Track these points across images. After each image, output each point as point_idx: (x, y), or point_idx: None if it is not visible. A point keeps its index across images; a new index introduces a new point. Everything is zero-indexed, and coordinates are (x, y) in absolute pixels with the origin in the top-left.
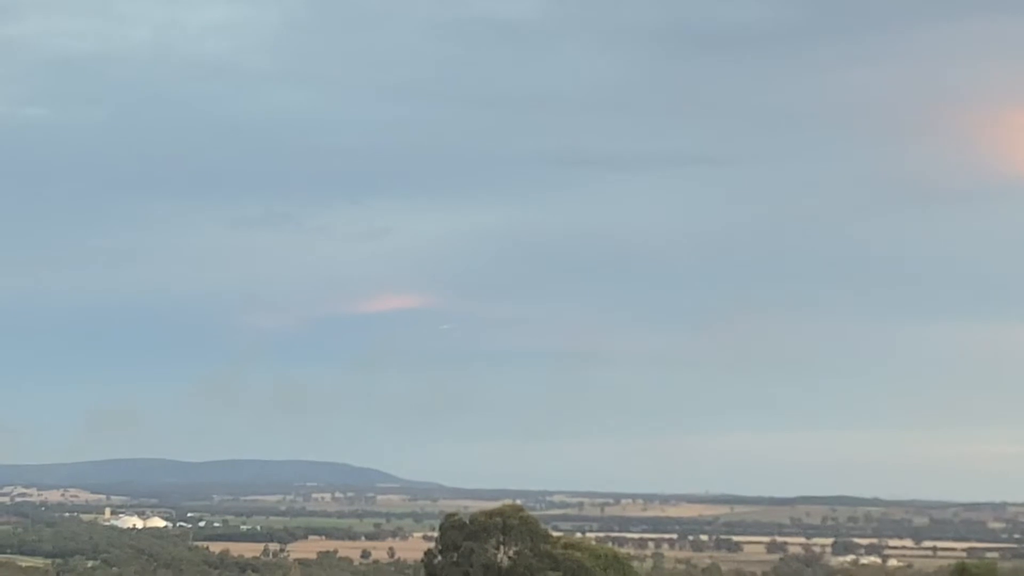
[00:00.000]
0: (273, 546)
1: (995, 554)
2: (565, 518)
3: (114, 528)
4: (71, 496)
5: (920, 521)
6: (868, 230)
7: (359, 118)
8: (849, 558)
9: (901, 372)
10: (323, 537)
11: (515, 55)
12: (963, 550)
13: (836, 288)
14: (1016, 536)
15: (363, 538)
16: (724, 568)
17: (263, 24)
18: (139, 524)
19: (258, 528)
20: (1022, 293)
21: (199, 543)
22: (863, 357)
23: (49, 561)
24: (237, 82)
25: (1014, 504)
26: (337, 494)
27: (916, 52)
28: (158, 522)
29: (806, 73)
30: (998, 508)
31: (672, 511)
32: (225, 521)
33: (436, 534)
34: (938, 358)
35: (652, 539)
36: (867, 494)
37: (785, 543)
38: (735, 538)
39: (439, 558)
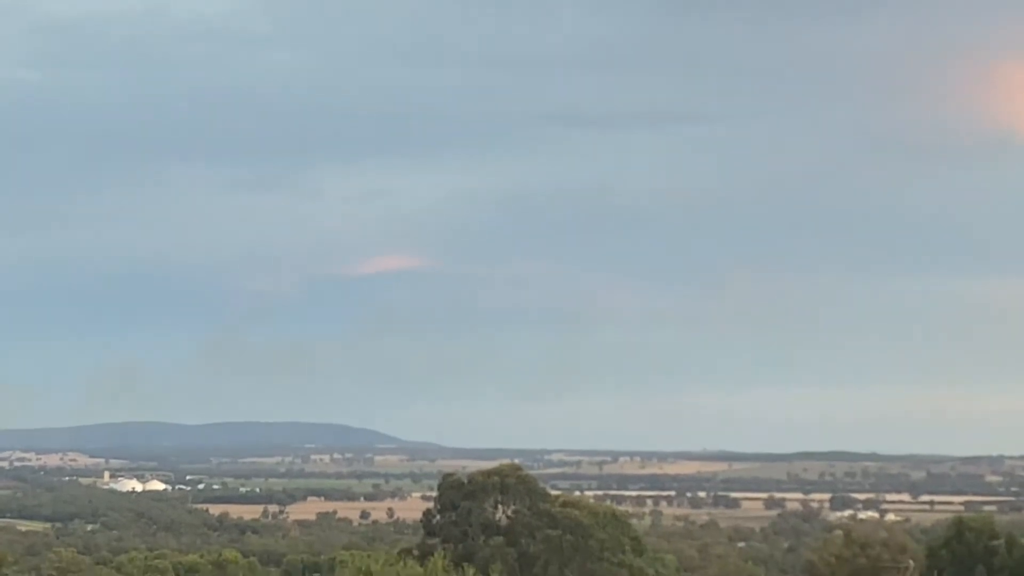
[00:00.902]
0: (272, 508)
1: (992, 507)
2: (563, 477)
3: (113, 492)
4: (70, 460)
5: (917, 475)
6: (864, 186)
7: (354, 80)
8: (847, 513)
9: (897, 328)
10: (322, 498)
11: (509, 16)
12: (960, 504)
13: (833, 244)
14: (1013, 489)
15: (362, 499)
16: (722, 525)
17: None
18: (138, 487)
19: (257, 490)
20: (1015, 247)
21: (198, 506)
22: (859, 313)
23: (49, 525)
24: (232, 44)
25: (1011, 457)
26: (335, 455)
27: (909, 5)
28: (157, 485)
29: (799, 28)
30: (995, 462)
31: (670, 468)
32: (224, 483)
33: (434, 494)
34: (934, 313)
35: (650, 497)
36: (864, 449)
37: (783, 499)
38: (733, 495)
39: (438, 518)
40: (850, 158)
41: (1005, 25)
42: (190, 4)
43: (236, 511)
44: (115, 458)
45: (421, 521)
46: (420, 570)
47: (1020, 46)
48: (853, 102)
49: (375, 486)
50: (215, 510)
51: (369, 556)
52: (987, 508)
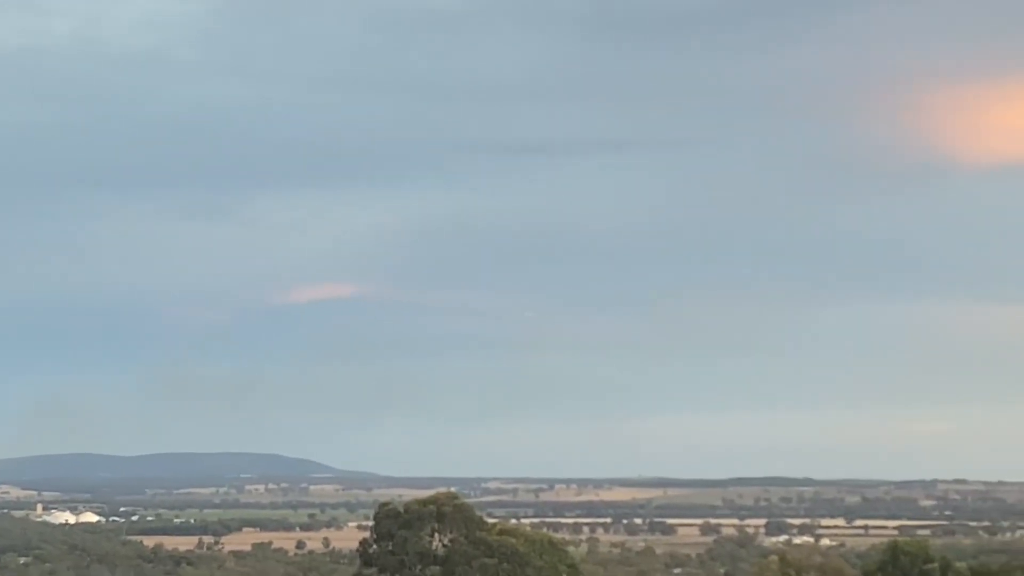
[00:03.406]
0: (207, 539)
1: (926, 531)
2: (500, 504)
3: (46, 524)
4: (2, 492)
5: (852, 500)
6: (803, 211)
7: (291, 108)
8: (782, 538)
9: (832, 353)
10: (257, 529)
11: (445, 44)
12: (895, 528)
13: (769, 270)
14: (947, 513)
15: (297, 529)
16: (658, 551)
17: (191, 16)
18: (71, 519)
19: (192, 521)
20: (951, 272)
21: (132, 537)
22: (795, 339)
23: None
24: (166, 75)
25: (944, 482)
26: (271, 485)
27: (850, 33)
28: (91, 517)
29: (739, 55)
30: (929, 486)
31: (606, 495)
32: (158, 515)
33: (371, 523)
34: (869, 338)
35: (586, 524)
36: (799, 474)
37: (719, 525)
38: (669, 521)
39: (374, 547)
40: (787, 183)
41: (935, 53)
42: (122, 36)
43: (171, 542)
44: (48, 490)
45: (358, 551)
46: None
47: (950, 73)
48: (790, 128)
49: (311, 516)
50: (149, 541)
51: None
52: (921, 532)
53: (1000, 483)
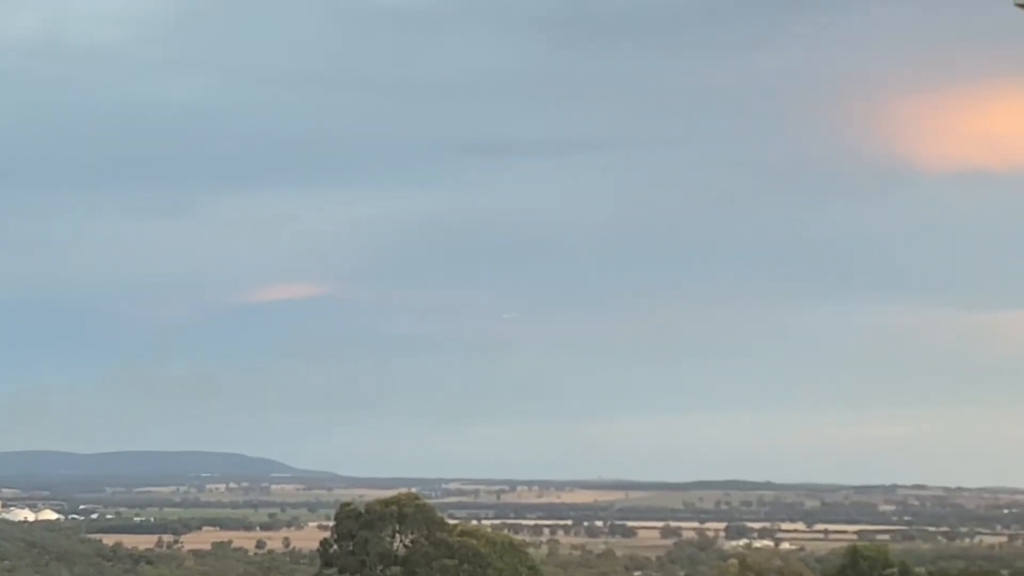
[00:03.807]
0: (167, 537)
1: (886, 536)
2: (461, 505)
3: (5, 521)
4: None
5: (812, 504)
6: (762, 214)
7: (256, 106)
8: (742, 542)
9: (792, 356)
10: (217, 528)
11: (411, 43)
12: (854, 532)
13: (731, 273)
14: (906, 518)
15: (258, 528)
16: (619, 554)
17: (156, 12)
18: (31, 517)
19: (151, 519)
20: (912, 278)
21: (92, 535)
22: (756, 342)
23: None
24: (132, 71)
25: (904, 487)
26: (231, 484)
27: (812, 39)
28: (50, 515)
29: (701, 58)
30: (888, 491)
31: (567, 497)
32: (118, 513)
33: (332, 524)
34: (829, 341)
35: (547, 525)
36: (760, 478)
37: (679, 528)
38: (629, 523)
39: (335, 547)
40: (747, 187)
41: (900, 60)
42: (88, 31)
43: (130, 541)
44: (7, 487)
45: (318, 551)
46: None
47: (914, 79)
48: (751, 133)
49: (271, 515)
50: (109, 540)
51: None
52: (880, 537)
53: (959, 489)
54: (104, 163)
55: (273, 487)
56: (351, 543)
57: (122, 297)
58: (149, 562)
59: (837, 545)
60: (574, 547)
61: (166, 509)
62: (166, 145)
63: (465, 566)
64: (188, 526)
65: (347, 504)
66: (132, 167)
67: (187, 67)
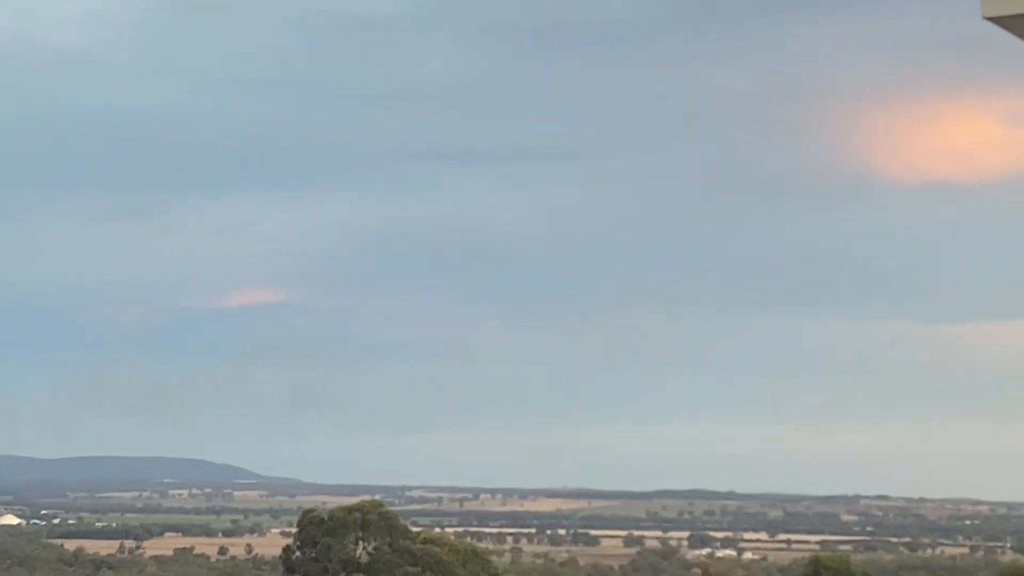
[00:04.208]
0: (129, 543)
1: (848, 547)
2: (424, 513)
3: None
4: None
5: (775, 514)
6: (728, 225)
7: (219, 111)
8: (705, 551)
9: (756, 366)
10: (179, 534)
11: (373, 50)
12: (817, 543)
13: (695, 283)
14: (869, 529)
15: (220, 535)
16: (582, 562)
17: (120, 16)
18: None
19: (114, 525)
20: (875, 289)
21: (53, 541)
22: (720, 351)
23: None
24: (97, 74)
25: (866, 497)
26: (194, 491)
27: (779, 51)
28: (11, 520)
29: (668, 68)
30: (851, 501)
31: (530, 506)
32: (80, 518)
33: (294, 530)
34: (793, 352)
35: (511, 534)
36: (723, 488)
37: (642, 537)
38: (593, 532)
39: (297, 554)
40: (712, 198)
41: (863, 72)
42: (54, 33)
43: (92, 546)
44: None
45: (281, 557)
46: None
47: (881, 92)
48: (717, 144)
49: (234, 522)
50: (71, 545)
51: None
52: (843, 547)
53: (922, 500)
54: (66, 166)
55: (236, 493)
56: (314, 550)
57: (85, 301)
58: (111, 567)
59: (800, 555)
60: (537, 555)
61: (128, 515)
62: (129, 149)
63: (428, 574)
64: (150, 532)
65: (310, 511)
66: (94, 170)
67: (151, 71)
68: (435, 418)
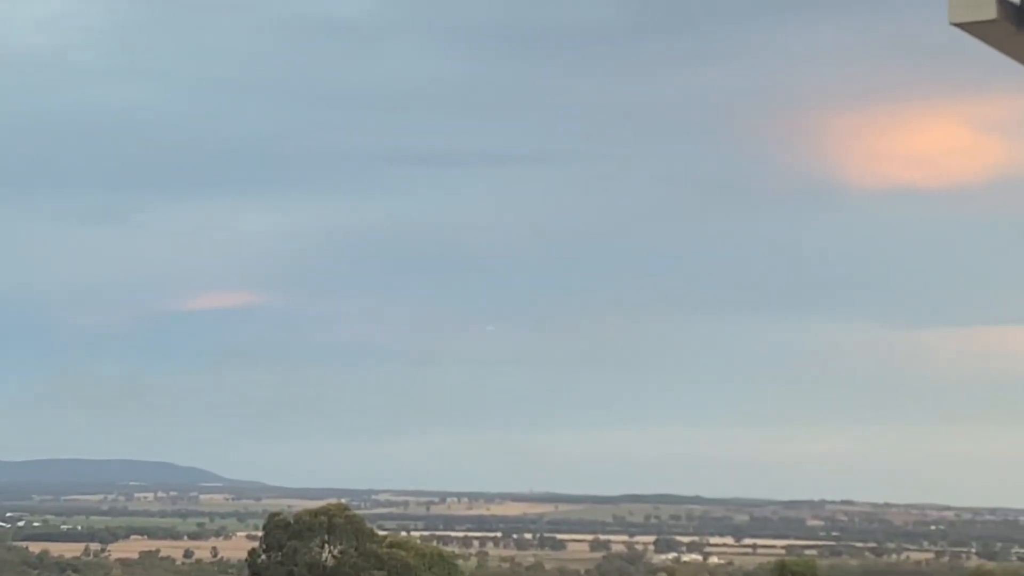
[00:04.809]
0: (94, 546)
1: (813, 551)
2: (390, 517)
3: None
4: None
5: (740, 519)
6: (698, 231)
7: (188, 114)
8: (671, 556)
9: (722, 371)
10: (145, 537)
11: (348, 53)
12: (782, 547)
13: (666, 288)
14: (834, 534)
15: (186, 537)
16: (548, 566)
17: (89, 18)
18: None
19: (79, 528)
20: (840, 294)
21: (18, 543)
22: (685, 356)
23: None
24: (61, 76)
25: (832, 502)
26: (160, 493)
27: (746, 56)
28: None
29: (639, 72)
30: (816, 506)
31: (497, 509)
32: (45, 521)
33: (260, 533)
34: (758, 357)
35: (477, 537)
36: (689, 492)
37: (608, 541)
38: (559, 536)
39: (263, 557)
40: (681, 203)
41: (832, 78)
42: (18, 35)
43: (57, 549)
44: None
45: (246, 561)
46: None
47: (847, 98)
48: (685, 148)
49: (199, 525)
50: (36, 548)
51: None
52: (808, 552)
53: (887, 505)
54: (35, 169)
55: (202, 496)
56: (280, 553)
57: (52, 303)
58: (76, 570)
59: (765, 560)
60: (503, 559)
61: (94, 517)
62: (99, 152)
63: None
64: (115, 535)
65: (276, 514)
66: (63, 173)
67: (121, 74)
68: (402, 422)
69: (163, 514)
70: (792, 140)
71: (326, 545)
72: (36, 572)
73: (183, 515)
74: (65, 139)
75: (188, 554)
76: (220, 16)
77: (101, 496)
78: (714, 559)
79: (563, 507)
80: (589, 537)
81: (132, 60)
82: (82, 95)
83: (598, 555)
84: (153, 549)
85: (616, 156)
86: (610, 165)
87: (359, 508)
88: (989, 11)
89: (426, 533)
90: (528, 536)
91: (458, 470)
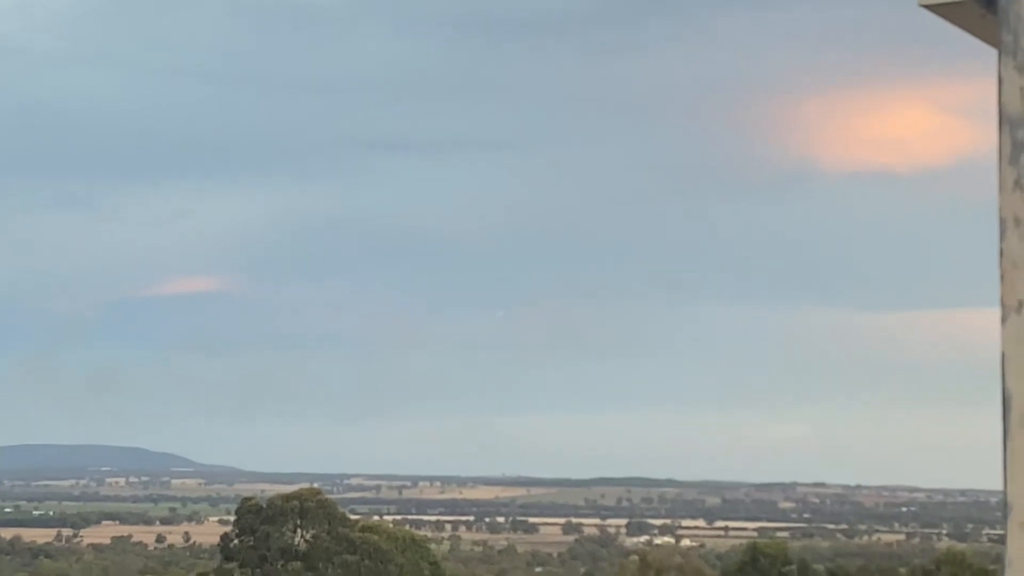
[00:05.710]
0: (66, 531)
1: (785, 534)
2: (363, 501)
3: None
4: None
5: (713, 501)
6: (670, 215)
7: (156, 100)
8: (643, 539)
9: (693, 354)
10: (117, 522)
11: (313, 40)
12: (754, 530)
13: (636, 272)
14: (806, 516)
15: (158, 523)
16: (520, 550)
17: (55, 4)
18: None
19: (51, 513)
20: (811, 277)
21: None
22: (657, 340)
23: None
24: (29, 62)
25: (803, 484)
26: (132, 479)
27: (716, 40)
28: None
29: (607, 59)
30: (788, 488)
31: (469, 493)
32: (17, 506)
33: (233, 518)
34: (730, 340)
35: (449, 521)
36: (661, 475)
37: (580, 524)
38: (531, 520)
39: (236, 542)
40: (652, 188)
41: (802, 62)
42: None
43: (29, 535)
44: None
45: (219, 545)
46: None
47: (817, 81)
48: (655, 134)
49: (172, 510)
50: (7, 533)
51: None
52: (780, 534)
53: (858, 487)
54: (1, 156)
55: (174, 481)
56: (252, 538)
57: (20, 290)
58: (48, 556)
59: (737, 542)
60: (476, 543)
61: (65, 503)
62: (65, 138)
63: (366, 562)
64: (87, 520)
65: (248, 499)
66: (30, 160)
67: (87, 60)
68: (373, 406)
69: (135, 499)
70: (760, 125)
71: (298, 529)
72: (8, 558)
73: (155, 500)
74: (30, 127)
75: (160, 539)
76: (187, 2)
77: (73, 481)
78: (686, 542)
79: (535, 491)
80: (561, 520)
81: (97, 47)
82: (49, 82)
83: (570, 538)
84: (125, 534)
85: (586, 143)
86: (581, 152)
87: (331, 493)
88: None
89: (398, 517)
90: (500, 520)
91: (430, 454)
